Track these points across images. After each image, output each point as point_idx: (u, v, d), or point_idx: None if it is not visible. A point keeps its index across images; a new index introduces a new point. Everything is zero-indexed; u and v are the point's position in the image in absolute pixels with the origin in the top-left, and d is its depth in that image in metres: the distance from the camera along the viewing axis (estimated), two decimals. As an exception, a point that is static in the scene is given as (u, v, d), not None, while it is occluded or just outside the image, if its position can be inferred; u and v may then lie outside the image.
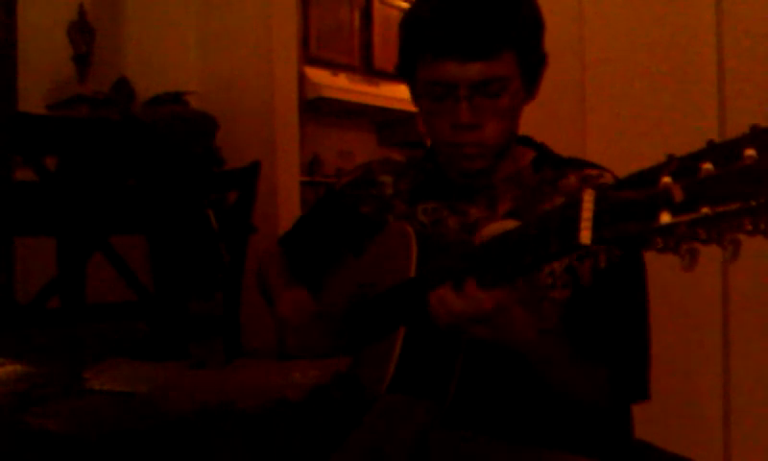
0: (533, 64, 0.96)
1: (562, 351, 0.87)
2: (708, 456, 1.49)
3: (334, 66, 4.68)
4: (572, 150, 1.05)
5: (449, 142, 0.96)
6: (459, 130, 0.94)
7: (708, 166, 0.48)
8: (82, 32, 3.04)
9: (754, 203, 0.46)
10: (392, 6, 4.88)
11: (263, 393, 0.61)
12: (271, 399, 0.60)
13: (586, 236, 0.57)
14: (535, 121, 1.11)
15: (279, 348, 1.05)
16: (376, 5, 4.94)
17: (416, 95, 0.99)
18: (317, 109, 4.60)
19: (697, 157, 0.50)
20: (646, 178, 0.53)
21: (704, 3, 1.51)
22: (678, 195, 0.50)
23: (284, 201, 3.13)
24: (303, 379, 0.66)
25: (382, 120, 5.04)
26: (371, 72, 4.88)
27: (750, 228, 0.47)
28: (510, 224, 0.73)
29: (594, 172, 0.96)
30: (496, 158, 0.97)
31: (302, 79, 4.34)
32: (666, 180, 0.51)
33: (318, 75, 4.56)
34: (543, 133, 1.08)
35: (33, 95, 2.91)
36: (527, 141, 1.06)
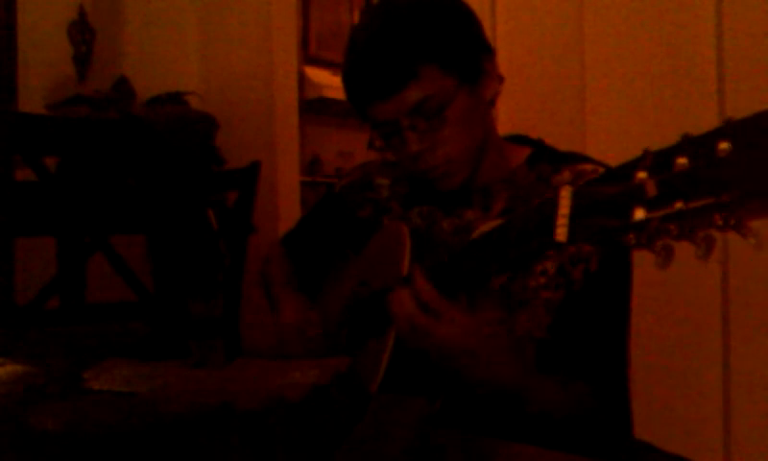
0: (465, 63, 0.92)
1: (525, 374, 0.84)
2: (708, 456, 1.49)
3: (334, 66, 4.67)
4: (572, 149, 1.05)
5: (416, 171, 0.96)
6: (416, 158, 0.93)
7: (682, 160, 0.48)
8: (82, 32, 3.05)
9: (725, 197, 0.46)
10: (392, 6, 4.88)
11: (263, 393, 0.61)
12: (271, 398, 0.60)
13: (562, 233, 0.57)
14: (535, 121, 1.11)
15: (279, 351, 1.05)
16: (376, 5, 4.94)
17: (373, 139, 0.99)
18: (317, 110, 4.60)
19: (672, 152, 0.49)
20: (623, 173, 0.53)
21: (704, 3, 1.51)
22: (651, 190, 0.49)
23: (284, 201, 3.13)
24: (303, 379, 0.66)
25: (382, 120, 5.05)
26: (371, 72, 4.88)
27: (720, 223, 0.47)
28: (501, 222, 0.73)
29: (589, 167, 0.95)
30: (475, 164, 0.96)
31: (302, 79, 4.34)
32: (641, 175, 0.50)
33: (318, 75, 4.56)
34: (544, 133, 1.07)
35: (33, 95, 2.91)
36: (523, 140, 1.06)
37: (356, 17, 4.89)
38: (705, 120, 1.49)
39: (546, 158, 1.00)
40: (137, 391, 0.68)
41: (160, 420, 0.58)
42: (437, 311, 0.74)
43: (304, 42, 4.54)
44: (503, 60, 1.20)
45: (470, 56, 0.93)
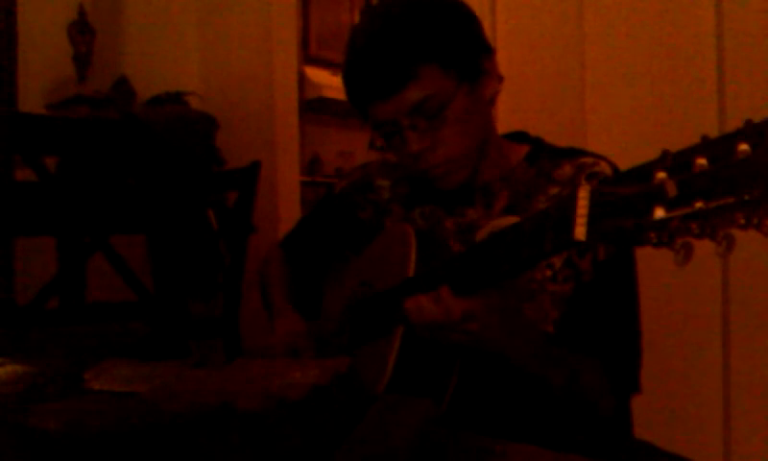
0: (465, 63, 0.92)
1: (554, 355, 0.86)
2: (708, 456, 1.49)
3: (334, 66, 4.68)
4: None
5: (416, 170, 0.96)
6: (416, 158, 0.94)
7: (701, 161, 0.49)
8: (82, 32, 3.04)
9: (746, 197, 0.46)
10: (392, 6, 4.88)
11: (263, 393, 0.61)
12: (271, 398, 0.60)
13: (581, 232, 0.57)
14: (535, 121, 1.11)
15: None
16: (376, 5, 4.94)
17: (374, 139, 0.99)
18: (317, 109, 4.60)
19: (691, 153, 0.50)
20: (641, 173, 0.53)
21: (704, 3, 1.51)
22: (672, 190, 0.50)
23: (284, 201, 3.13)
24: (304, 379, 0.66)
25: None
26: (371, 72, 4.88)
27: (742, 222, 0.47)
28: (508, 219, 0.73)
29: (589, 160, 0.96)
30: (476, 163, 0.97)
31: (302, 79, 4.35)
32: (661, 175, 0.51)
33: (318, 75, 4.56)
34: (544, 132, 1.08)
35: (33, 95, 2.91)
36: (522, 137, 1.06)
37: (356, 17, 4.89)
38: (705, 120, 1.49)
39: (546, 154, 1.00)
40: (137, 391, 0.68)
41: (160, 420, 0.58)
42: (462, 316, 0.75)
43: (304, 42, 4.54)
44: (503, 60, 1.20)
45: (470, 55, 0.94)
